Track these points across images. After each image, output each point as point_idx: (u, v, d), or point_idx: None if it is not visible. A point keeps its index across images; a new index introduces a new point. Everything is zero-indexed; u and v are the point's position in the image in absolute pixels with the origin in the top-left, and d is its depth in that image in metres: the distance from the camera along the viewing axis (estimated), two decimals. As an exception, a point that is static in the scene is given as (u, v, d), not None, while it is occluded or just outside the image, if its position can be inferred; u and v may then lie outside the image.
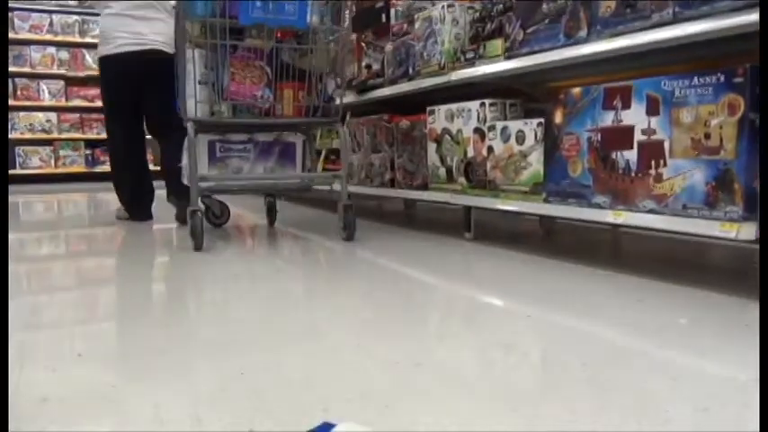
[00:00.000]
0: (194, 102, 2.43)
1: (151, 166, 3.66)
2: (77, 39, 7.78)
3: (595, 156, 1.80)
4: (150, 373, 1.07)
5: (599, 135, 1.79)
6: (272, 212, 3.21)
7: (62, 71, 7.68)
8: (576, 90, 1.86)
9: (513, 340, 1.25)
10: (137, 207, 3.45)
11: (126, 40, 3.27)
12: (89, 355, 1.18)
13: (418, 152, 2.73)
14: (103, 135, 7.42)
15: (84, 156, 7.78)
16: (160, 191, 3.43)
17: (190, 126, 2.42)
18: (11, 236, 2.87)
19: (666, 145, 1.59)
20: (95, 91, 7.61)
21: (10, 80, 7.31)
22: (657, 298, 1.54)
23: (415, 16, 2.70)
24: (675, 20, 1.58)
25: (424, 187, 2.68)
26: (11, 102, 7.29)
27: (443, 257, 2.16)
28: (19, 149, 7.45)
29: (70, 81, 7.72)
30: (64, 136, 7.70)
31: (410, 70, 2.77)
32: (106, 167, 7.43)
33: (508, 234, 2.72)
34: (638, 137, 1.67)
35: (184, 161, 2.58)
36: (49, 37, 7.63)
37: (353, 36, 3.36)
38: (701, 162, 1.51)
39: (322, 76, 2.57)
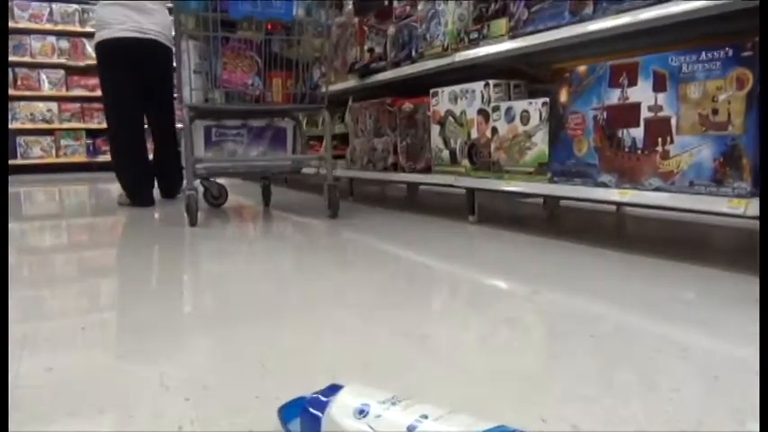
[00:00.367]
0: (189, 89, 2.59)
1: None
2: (77, 28, 7.75)
3: (601, 134, 1.78)
4: (154, 346, 1.06)
5: (605, 113, 1.77)
6: (267, 195, 3.38)
7: (62, 60, 7.66)
8: (582, 68, 1.84)
9: (519, 315, 1.24)
10: (138, 193, 3.48)
11: (126, 26, 3.33)
12: (92, 329, 1.17)
13: (421, 135, 2.71)
14: (104, 125, 7.47)
15: (86, 145, 7.77)
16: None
17: (186, 112, 2.58)
18: (13, 225, 2.87)
19: (673, 121, 1.58)
20: (96, 80, 7.58)
21: (10, 70, 7.29)
22: (664, 275, 1.52)
23: (418, -2, 2.68)
24: (683, -6, 1.56)
25: (428, 170, 2.67)
26: (11, 91, 7.27)
27: (447, 239, 2.15)
28: (20, 139, 7.44)
29: (70, 70, 7.70)
30: (65, 126, 7.69)
31: (413, 53, 2.75)
32: (107, 157, 7.44)
33: (512, 217, 2.70)
34: (645, 114, 1.65)
35: (182, 147, 2.72)
36: (48, 26, 7.61)
37: (356, 20, 3.34)
38: (709, 138, 1.49)
39: (308, 65, 2.73)
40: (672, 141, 1.58)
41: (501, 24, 2.20)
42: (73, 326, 1.21)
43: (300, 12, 2.63)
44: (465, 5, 2.42)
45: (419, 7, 2.68)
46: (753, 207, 1.39)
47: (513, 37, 2.14)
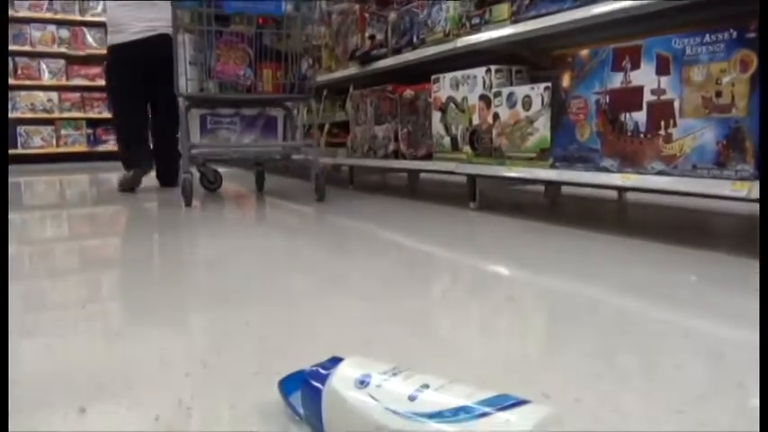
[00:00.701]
0: (186, 80, 2.77)
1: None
2: (77, 17, 7.73)
3: (604, 119, 1.77)
4: (153, 325, 1.06)
5: (607, 97, 1.76)
6: (260, 181, 3.54)
7: (62, 50, 7.63)
8: (584, 52, 1.82)
9: (521, 299, 1.23)
10: (137, 160, 3.62)
11: (137, 29, 3.56)
12: (93, 307, 1.17)
13: (422, 122, 2.70)
14: (105, 114, 7.47)
15: (86, 135, 7.76)
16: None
17: (182, 101, 2.81)
18: (14, 215, 2.86)
19: (676, 104, 1.56)
20: (96, 70, 7.57)
21: (10, 59, 7.26)
22: (666, 259, 1.52)
23: (420, -16, 2.66)
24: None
25: (429, 157, 2.66)
26: (11, 81, 7.25)
27: (447, 225, 2.14)
28: (20, 129, 7.42)
29: (71, 60, 7.68)
30: (65, 115, 7.67)
31: (414, 39, 2.73)
32: (108, 147, 7.45)
33: (513, 205, 2.70)
34: (648, 97, 1.64)
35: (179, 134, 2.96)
36: (48, 15, 7.58)
37: (357, 7, 3.32)
38: (712, 121, 1.48)
39: (297, 57, 2.90)
40: (675, 125, 1.57)
41: (503, 9, 2.19)
42: (73, 305, 1.20)
43: (289, 7, 2.84)
44: (467, -10, 2.40)
45: (421, -7, 2.66)
46: (756, 190, 1.38)
47: (515, 22, 2.13)
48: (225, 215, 2.63)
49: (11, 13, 7.18)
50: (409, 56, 2.75)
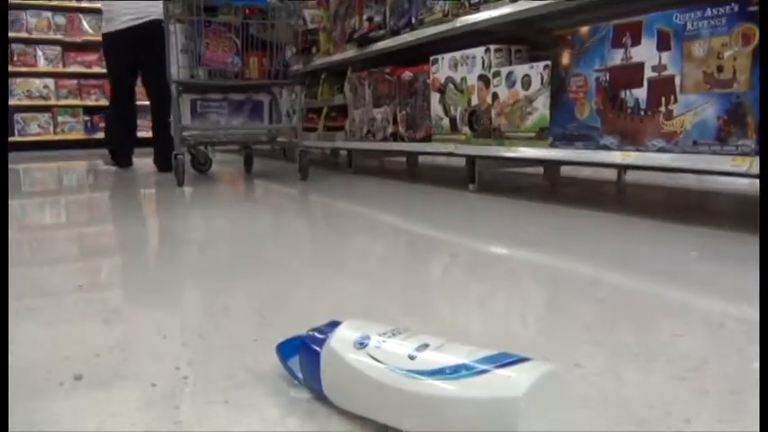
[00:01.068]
0: (177, 67, 2.95)
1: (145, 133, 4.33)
2: (74, 3, 7.66)
3: (603, 96, 1.76)
4: (150, 299, 1.05)
5: (608, 75, 1.74)
6: (249, 163, 3.73)
7: (59, 36, 7.58)
8: (584, 29, 1.81)
9: (520, 276, 1.22)
10: (119, 153, 4.14)
11: (127, 18, 3.78)
12: (90, 287, 1.16)
13: (421, 104, 2.68)
14: (102, 102, 7.43)
15: (83, 122, 7.72)
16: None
17: (174, 86, 2.98)
18: (12, 201, 2.85)
19: (677, 80, 1.55)
20: (93, 57, 7.52)
21: (6, 45, 7.22)
22: (665, 236, 1.51)
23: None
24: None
25: (428, 139, 2.64)
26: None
27: (446, 207, 2.13)
28: (17, 116, 7.38)
29: (67, 46, 7.62)
30: (62, 102, 7.62)
31: (413, 20, 2.71)
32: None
33: (512, 187, 2.69)
34: (649, 74, 1.62)
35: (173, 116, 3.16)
36: (44, 1, 7.51)
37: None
38: (713, 96, 1.47)
39: (281, 46, 3.08)
40: (675, 101, 1.56)
41: (502, -13, 2.16)
42: (70, 284, 1.19)
43: None
44: (466, -31, 2.38)
45: (419, -27, 2.63)
46: (757, 165, 1.37)
47: (514, 0, 2.11)
48: (215, 195, 2.69)
49: (6, -2, 7.10)
50: (408, 37, 2.73)
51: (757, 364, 0.71)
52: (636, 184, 2.64)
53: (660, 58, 1.59)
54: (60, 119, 7.63)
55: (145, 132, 4.42)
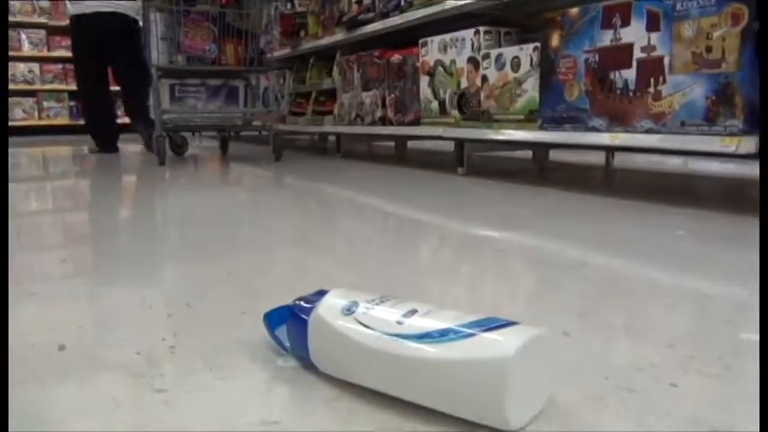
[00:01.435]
0: (157, 53, 3.14)
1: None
2: (58, -14, 7.55)
3: (593, 77, 1.76)
4: (135, 273, 1.04)
5: (597, 56, 1.74)
6: (224, 146, 4.03)
7: (43, 20, 7.47)
8: (574, 10, 1.80)
9: (507, 257, 1.22)
10: (104, 140, 4.17)
11: (90, 3, 3.86)
12: (73, 261, 1.15)
13: (410, 87, 2.67)
14: (88, 87, 7.33)
15: (69, 107, 7.63)
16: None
17: (154, 71, 3.13)
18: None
19: (666, 61, 1.55)
20: (78, 41, 7.42)
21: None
22: (653, 216, 1.52)
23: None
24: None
25: (417, 123, 2.63)
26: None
27: (434, 190, 2.13)
28: (1, 101, 7.28)
29: (52, 30, 7.52)
30: (47, 87, 7.53)
31: (402, 2, 2.69)
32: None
33: (501, 171, 2.69)
34: (638, 54, 1.62)
35: (151, 101, 3.34)
36: (28, -16, 7.40)
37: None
38: (702, 76, 1.47)
39: (256, 34, 3.29)
40: (664, 81, 1.56)
41: (492, -31, 2.15)
42: (54, 260, 1.18)
43: None
44: (455, -49, 2.36)
45: (408, -45, 2.61)
46: (744, 145, 1.38)
47: (504, -19, 2.10)
48: (194, 175, 2.79)
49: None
50: (397, 20, 2.71)
51: (744, 335, 0.71)
52: (624, 168, 2.65)
53: (649, 38, 1.59)
54: (45, 104, 7.54)
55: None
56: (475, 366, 0.49)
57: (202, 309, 0.83)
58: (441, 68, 2.42)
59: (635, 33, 1.62)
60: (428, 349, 0.51)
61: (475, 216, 1.63)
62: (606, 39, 1.70)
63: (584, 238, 1.28)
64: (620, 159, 2.87)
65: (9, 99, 7.32)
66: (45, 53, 7.49)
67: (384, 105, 2.87)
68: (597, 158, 2.87)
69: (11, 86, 7.30)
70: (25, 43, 7.41)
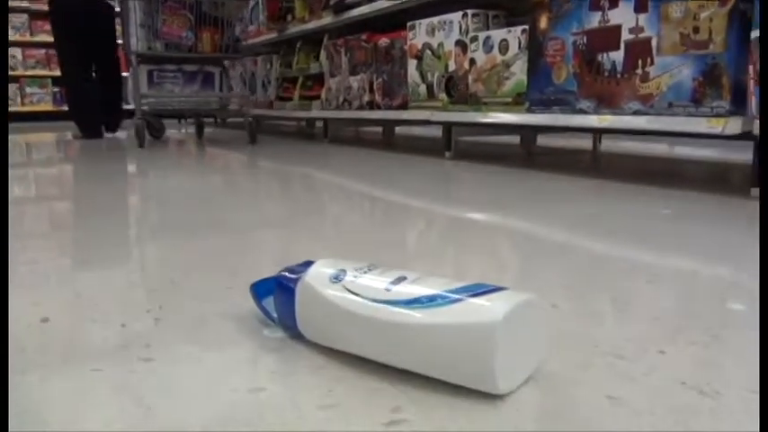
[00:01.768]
0: (136, 39, 3.27)
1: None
2: (40, -31, 7.42)
3: (580, 59, 1.76)
4: (118, 253, 1.03)
5: (585, 38, 1.74)
6: (200, 130, 4.21)
7: (25, 4, 7.34)
8: (563, -8, 1.80)
9: (493, 237, 1.22)
10: (88, 127, 4.10)
11: None
12: (55, 240, 1.13)
13: (398, 71, 2.66)
14: (72, 72, 7.23)
15: (52, 93, 7.52)
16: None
17: (133, 57, 3.29)
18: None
19: (654, 42, 1.55)
20: (61, 25, 7.31)
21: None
22: (640, 197, 1.52)
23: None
24: None
25: (404, 107, 2.62)
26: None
27: (423, 173, 2.12)
28: (-18, 86, 7.17)
29: (34, 15, 7.39)
30: (29, 73, 7.42)
31: (390, -15, 2.67)
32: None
33: (488, 155, 2.68)
34: (626, 36, 1.62)
35: (129, 86, 3.59)
36: (9, -33, 7.26)
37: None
38: (689, 57, 1.47)
39: (231, 22, 3.47)
40: (652, 63, 1.56)
41: (481, -49, 2.14)
42: (37, 240, 1.16)
43: None
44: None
45: (396, -63, 2.59)
46: (731, 125, 1.38)
47: (492, -37, 2.08)
48: (172, 158, 2.86)
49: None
50: (385, 3, 2.69)
51: (733, 305, 0.72)
52: (611, 153, 2.66)
53: (637, 20, 1.59)
54: (28, 90, 7.43)
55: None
56: (464, 331, 0.48)
57: (187, 285, 0.82)
58: (429, 52, 2.41)
59: (623, 15, 1.62)
60: (417, 315, 0.50)
61: (462, 199, 1.63)
62: (594, 20, 1.70)
63: (571, 219, 1.28)
64: (607, 144, 2.88)
65: (-9, 84, 7.21)
66: (27, 38, 7.37)
67: (372, 89, 2.85)
68: (584, 143, 2.88)
69: (-8, 72, 7.19)
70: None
